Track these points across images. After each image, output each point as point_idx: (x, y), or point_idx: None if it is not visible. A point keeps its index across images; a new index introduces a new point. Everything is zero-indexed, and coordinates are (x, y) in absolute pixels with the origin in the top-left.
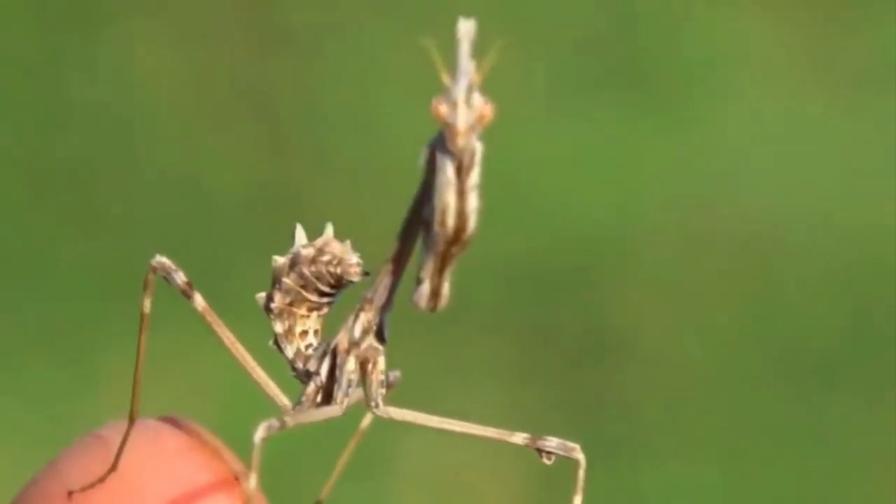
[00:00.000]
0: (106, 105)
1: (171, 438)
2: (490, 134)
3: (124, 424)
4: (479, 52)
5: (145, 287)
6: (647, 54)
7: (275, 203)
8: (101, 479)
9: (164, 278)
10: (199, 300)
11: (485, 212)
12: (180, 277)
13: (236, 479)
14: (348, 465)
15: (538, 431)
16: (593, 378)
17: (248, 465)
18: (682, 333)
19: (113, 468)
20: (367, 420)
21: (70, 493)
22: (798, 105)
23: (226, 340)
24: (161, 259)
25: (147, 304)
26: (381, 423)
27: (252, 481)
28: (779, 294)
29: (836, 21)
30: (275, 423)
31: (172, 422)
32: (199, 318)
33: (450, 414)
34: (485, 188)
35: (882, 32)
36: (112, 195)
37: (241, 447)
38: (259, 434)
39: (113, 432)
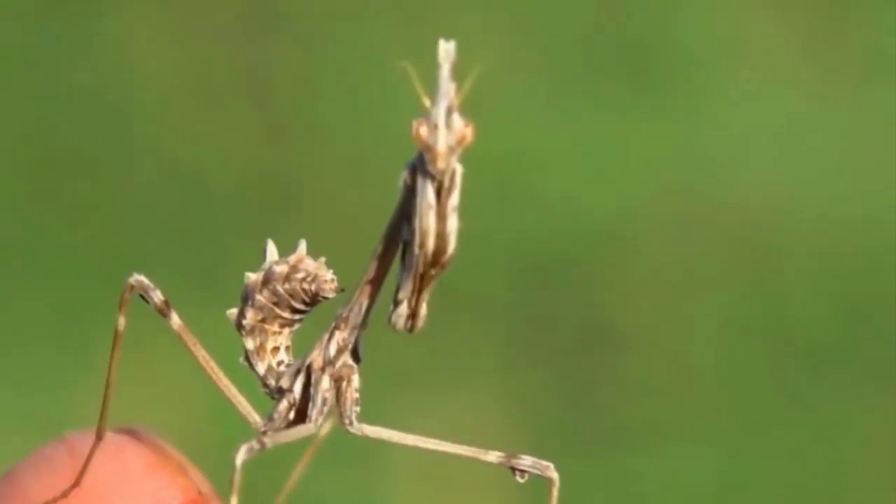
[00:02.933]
0: (103, 91)
1: (135, 454)
2: (489, 126)
3: (88, 435)
4: (477, 54)
5: (121, 306)
6: (647, 46)
7: (272, 189)
8: (64, 495)
9: (142, 296)
10: (175, 319)
11: (483, 202)
12: (157, 296)
13: (200, 494)
14: (332, 457)
15: (533, 419)
16: (591, 367)
17: (229, 488)
18: (679, 323)
19: (76, 483)
20: (325, 429)
21: None
22: (797, 96)
23: (200, 359)
24: (139, 277)
25: (122, 322)
26: (378, 413)
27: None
28: (776, 284)
29: (835, 10)
30: (255, 444)
31: (136, 436)
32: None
33: (443, 403)
34: (484, 179)
35: (881, 23)
36: (109, 181)
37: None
38: (240, 457)
39: (77, 443)
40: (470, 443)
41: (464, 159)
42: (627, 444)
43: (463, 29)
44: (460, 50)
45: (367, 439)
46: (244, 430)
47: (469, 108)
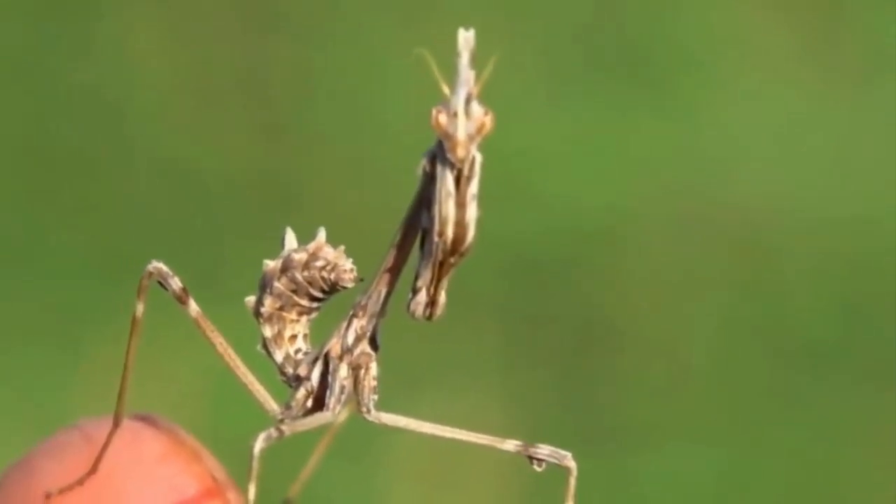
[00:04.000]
0: (102, 90)
1: (150, 441)
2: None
3: (103, 421)
4: (478, 52)
5: (139, 292)
6: (646, 45)
7: (272, 189)
8: (80, 482)
9: (160, 283)
10: (193, 306)
11: (483, 201)
12: (176, 283)
13: (215, 481)
14: (334, 452)
15: (532, 418)
16: (590, 366)
17: (246, 475)
18: (678, 322)
19: (92, 470)
20: (342, 417)
21: (48, 495)
22: (797, 95)
23: (218, 347)
24: (157, 264)
25: (140, 309)
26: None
27: (251, 492)
28: (775, 283)
29: (835, 10)
30: (273, 432)
31: (152, 423)
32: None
33: (442, 402)
34: (484, 178)
35: (880, 23)
36: (108, 181)
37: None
38: (258, 445)
39: (92, 430)
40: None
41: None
42: (626, 443)
43: (462, 24)
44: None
45: (384, 427)
46: (252, 422)
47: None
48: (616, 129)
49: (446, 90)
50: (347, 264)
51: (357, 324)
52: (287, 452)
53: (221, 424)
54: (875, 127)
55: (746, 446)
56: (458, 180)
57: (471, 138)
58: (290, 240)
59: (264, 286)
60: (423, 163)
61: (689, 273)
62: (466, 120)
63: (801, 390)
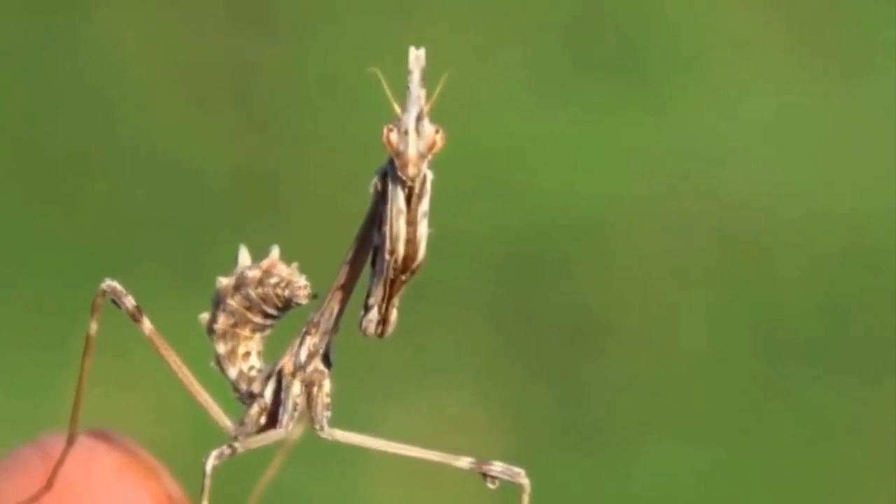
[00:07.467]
0: (90, 88)
1: (105, 456)
2: (476, 119)
3: (62, 437)
4: (470, 51)
5: (93, 311)
6: (636, 39)
7: (265, 187)
8: (35, 498)
9: (114, 301)
10: (146, 324)
11: (471, 197)
12: (129, 301)
13: (170, 498)
14: (316, 454)
15: (522, 416)
16: (578, 362)
17: (200, 492)
18: (668, 318)
19: (48, 486)
20: (296, 434)
21: None
22: (785, 89)
23: (172, 364)
24: (111, 283)
25: (93, 328)
26: (364, 411)
27: None
28: (765, 279)
29: (824, 3)
30: (226, 449)
31: (107, 439)
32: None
33: (431, 401)
34: (472, 174)
35: (871, 15)
36: (100, 178)
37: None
38: (210, 462)
39: (50, 446)
40: (456, 439)
41: (451, 154)
42: (617, 440)
43: (451, 21)
44: (452, 43)
45: (337, 444)
46: (221, 434)
47: (460, 104)
48: (607, 125)
49: (398, 108)
50: (301, 281)
51: (310, 341)
52: (244, 468)
53: (188, 438)
54: (868, 123)
55: (738, 443)
56: (409, 198)
57: (422, 156)
58: (244, 257)
59: (218, 303)
60: (375, 181)
61: (680, 270)
62: (417, 138)
63: (793, 387)
